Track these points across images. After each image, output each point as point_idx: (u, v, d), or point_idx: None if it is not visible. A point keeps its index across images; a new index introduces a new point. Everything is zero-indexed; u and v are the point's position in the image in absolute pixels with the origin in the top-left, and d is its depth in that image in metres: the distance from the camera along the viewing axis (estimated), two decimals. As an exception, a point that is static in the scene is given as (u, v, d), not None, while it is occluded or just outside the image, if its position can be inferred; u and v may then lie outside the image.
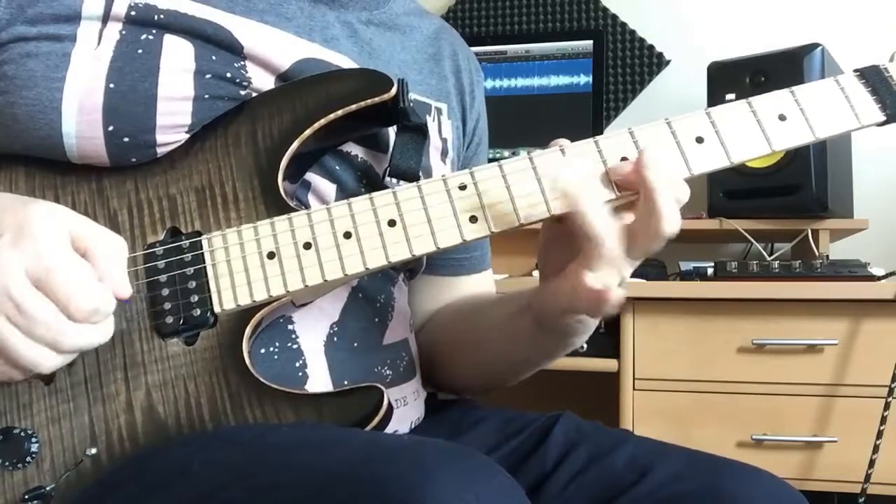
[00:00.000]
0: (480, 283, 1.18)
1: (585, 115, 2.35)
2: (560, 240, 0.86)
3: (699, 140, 0.85)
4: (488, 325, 1.05)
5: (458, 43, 1.17)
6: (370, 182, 0.96)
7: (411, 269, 1.08)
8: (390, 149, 0.94)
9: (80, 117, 0.83)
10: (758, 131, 0.85)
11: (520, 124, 2.35)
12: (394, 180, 0.94)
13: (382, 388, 0.80)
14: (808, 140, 0.86)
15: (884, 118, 0.87)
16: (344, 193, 0.94)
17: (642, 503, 0.85)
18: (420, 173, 0.94)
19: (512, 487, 0.67)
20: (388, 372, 0.97)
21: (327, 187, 0.94)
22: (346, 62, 0.96)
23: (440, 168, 1.06)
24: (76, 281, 0.73)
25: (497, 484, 0.66)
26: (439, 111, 1.08)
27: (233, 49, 0.89)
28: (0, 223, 0.74)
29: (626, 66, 2.57)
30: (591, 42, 2.41)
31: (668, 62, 2.55)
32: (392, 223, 0.82)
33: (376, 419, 0.79)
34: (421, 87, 1.06)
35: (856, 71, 0.89)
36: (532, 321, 0.95)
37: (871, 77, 0.88)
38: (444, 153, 1.08)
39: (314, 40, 0.95)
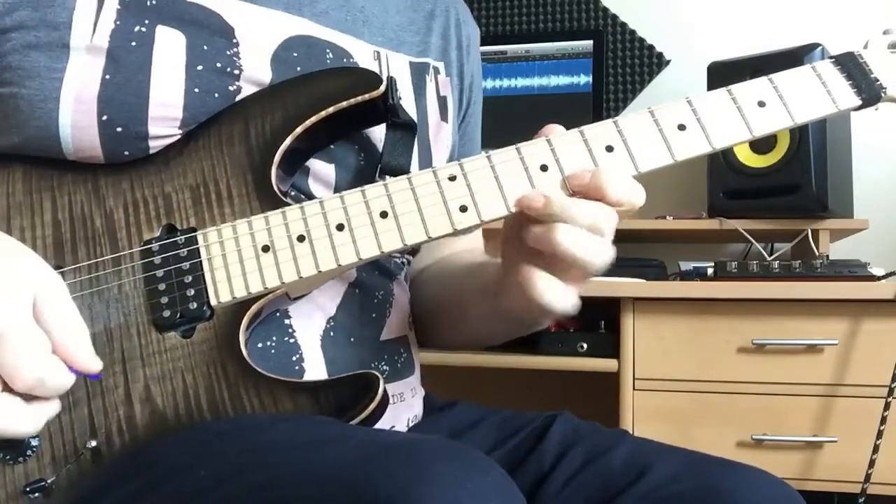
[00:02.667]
0: (475, 241, 1.19)
1: (585, 115, 2.35)
2: (520, 233, 0.85)
3: (681, 127, 0.86)
4: (463, 297, 1.05)
5: None
6: (368, 156, 0.97)
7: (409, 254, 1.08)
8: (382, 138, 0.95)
9: (77, 106, 0.84)
10: (738, 118, 0.87)
11: (520, 124, 2.35)
12: (386, 177, 0.94)
13: (378, 374, 0.80)
14: (787, 125, 0.88)
15: (860, 102, 0.89)
16: (344, 170, 0.95)
17: (640, 503, 0.85)
18: (411, 169, 0.95)
19: (506, 484, 0.67)
20: (385, 367, 0.98)
21: (326, 168, 0.94)
22: (335, 35, 0.97)
23: (443, 128, 1.07)
24: (26, 348, 0.71)
25: (492, 480, 0.65)
26: (437, 70, 1.09)
27: (224, 33, 0.90)
28: None
29: (626, 66, 2.58)
30: (591, 42, 2.42)
31: (668, 62, 2.55)
32: (384, 214, 0.83)
33: (372, 406, 0.79)
34: (418, 47, 1.07)
35: (831, 58, 0.91)
36: (491, 301, 0.95)
37: (847, 63, 0.90)
38: (444, 111, 1.08)
39: (304, 16, 0.95)
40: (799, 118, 0.88)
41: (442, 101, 1.08)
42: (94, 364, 0.76)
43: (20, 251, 0.78)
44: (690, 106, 0.87)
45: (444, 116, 1.08)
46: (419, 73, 1.05)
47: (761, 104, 0.88)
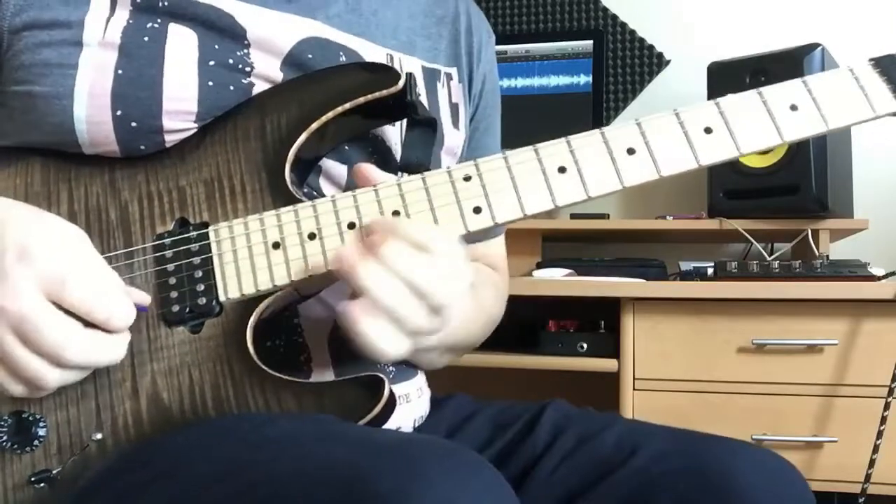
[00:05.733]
0: (490, 248, 1.18)
1: (585, 115, 2.36)
2: None
3: (708, 130, 0.84)
4: None
5: (468, 2, 1.16)
6: (382, 158, 0.97)
7: None
8: (401, 132, 0.95)
9: (91, 102, 0.84)
10: (769, 122, 0.84)
11: (520, 124, 2.34)
12: (400, 175, 0.94)
13: (384, 377, 0.80)
14: (820, 130, 0.85)
15: None
16: None
17: (631, 481, 0.86)
18: (430, 167, 0.95)
19: (499, 484, 0.67)
20: (391, 368, 0.98)
21: (338, 168, 0.94)
22: (347, 38, 0.97)
23: (454, 134, 1.07)
24: (94, 287, 0.75)
25: (485, 480, 0.66)
26: (449, 76, 1.08)
27: (235, 35, 0.90)
28: (3, 239, 0.74)
29: (626, 66, 2.58)
30: (591, 42, 2.43)
31: (668, 62, 2.55)
32: (396, 214, 0.83)
33: (377, 408, 0.79)
34: (430, 52, 1.06)
35: (871, 60, 0.87)
36: None
37: (887, 66, 0.87)
38: (456, 118, 1.08)
39: (316, 18, 0.95)
40: (833, 123, 0.85)
41: (454, 108, 1.08)
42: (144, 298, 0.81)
43: (50, 218, 0.80)
44: (718, 108, 0.85)
45: (455, 123, 1.08)
46: (431, 78, 1.05)
47: (793, 108, 0.85)
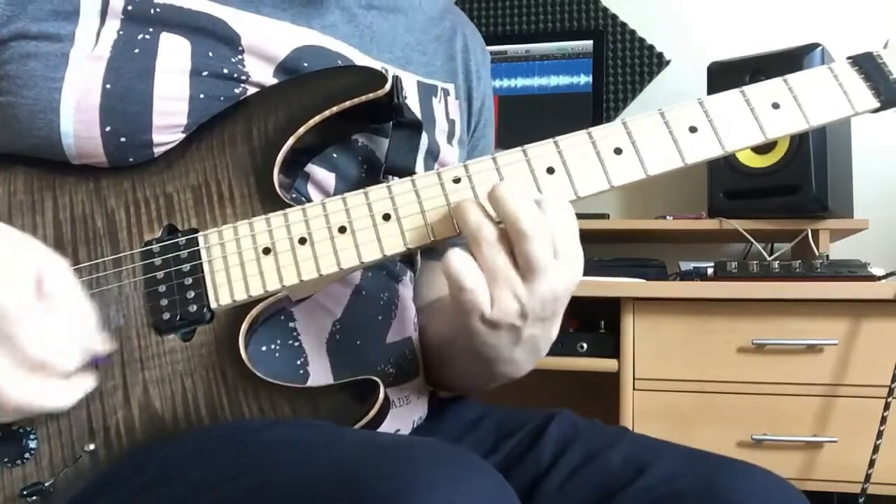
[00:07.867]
0: None
1: (585, 115, 2.35)
2: None
3: (692, 129, 0.85)
4: (438, 337, 1.03)
5: (465, 22, 1.17)
6: (371, 167, 0.96)
7: (412, 262, 1.07)
8: (388, 138, 0.94)
9: (78, 117, 0.83)
10: (751, 119, 0.86)
11: (520, 124, 2.35)
12: (390, 177, 0.94)
13: (379, 380, 0.79)
14: (802, 127, 0.86)
15: (878, 104, 0.87)
16: (343, 182, 0.94)
17: (639, 500, 0.84)
18: (416, 169, 0.94)
19: (501, 487, 0.67)
20: (391, 370, 0.97)
21: (326, 176, 0.93)
22: (343, 48, 0.96)
23: (448, 150, 1.07)
24: (36, 325, 0.71)
25: (485, 483, 0.65)
26: (446, 92, 1.08)
27: (230, 41, 0.89)
28: None
29: (626, 66, 2.58)
30: (591, 42, 2.42)
31: (668, 62, 2.55)
32: (387, 217, 0.82)
33: (372, 412, 0.78)
34: (426, 68, 1.06)
35: (849, 58, 0.89)
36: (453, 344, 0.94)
37: (865, 64, 0.88)
38: (451, 135, 1.08)
39: (312, 27, 0.95)
40: (814, 120, 0.86)
41: (451, 124, 1.08)
42: (102, 344, 0.76)
43: (21, 236, 0.78)
44: (702, 107, 0.86)
45: (450, 139, 1.08)
46: (426, 93, 1.04)
47: (775, 106, 0.86)
